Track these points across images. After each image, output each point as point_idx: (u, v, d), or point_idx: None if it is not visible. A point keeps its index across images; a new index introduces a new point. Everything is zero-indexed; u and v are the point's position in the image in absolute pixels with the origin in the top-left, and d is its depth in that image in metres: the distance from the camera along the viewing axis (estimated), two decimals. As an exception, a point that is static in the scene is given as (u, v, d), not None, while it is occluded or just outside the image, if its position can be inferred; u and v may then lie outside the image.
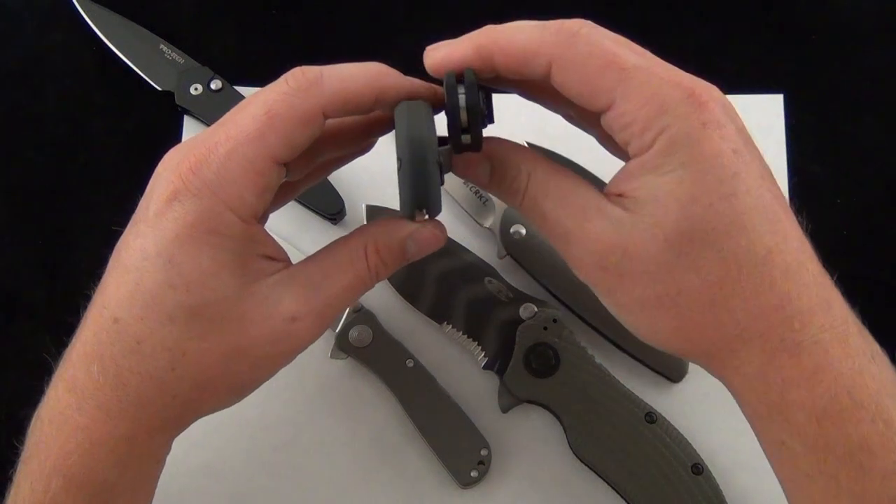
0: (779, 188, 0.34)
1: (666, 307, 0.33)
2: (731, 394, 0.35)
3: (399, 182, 0.34)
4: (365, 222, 0.54)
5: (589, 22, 0.34)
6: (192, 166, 0.34)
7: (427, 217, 0.35)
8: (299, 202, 0.55)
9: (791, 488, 0.34)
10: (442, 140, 0.35)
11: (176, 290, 0.33)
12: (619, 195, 0.34)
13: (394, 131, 0.34)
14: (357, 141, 0.39)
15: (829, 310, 0.32)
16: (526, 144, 0.56)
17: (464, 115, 0.34)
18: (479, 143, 0.35)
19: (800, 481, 0.33)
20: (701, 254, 0.32)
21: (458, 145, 0.35)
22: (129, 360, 0.34)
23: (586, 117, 0.38)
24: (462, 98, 0.34)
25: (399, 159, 0.33)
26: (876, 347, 0.33)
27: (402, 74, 0.36)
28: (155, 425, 0.35)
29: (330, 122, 0.36)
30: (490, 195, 0.55)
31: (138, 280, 0.34)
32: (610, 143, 0.37)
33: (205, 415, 0.37)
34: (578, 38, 0.33)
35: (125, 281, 0.34)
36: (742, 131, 0.34)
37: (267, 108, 0.33)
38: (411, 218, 0.34)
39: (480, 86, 0.34)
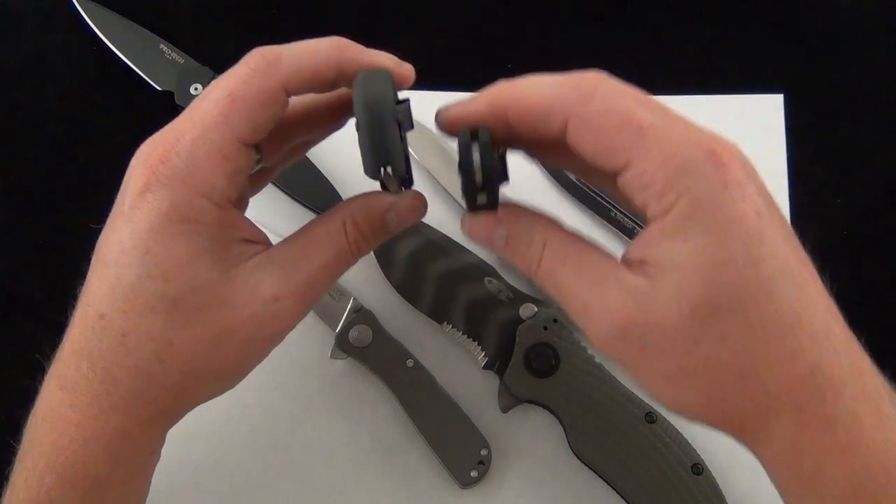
0: (802, 249, 0.33)
1: (692, 380, 0.32)
2: (762, 464, 0.34)
3: (360, 145, 0.33)
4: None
5: (605, 77, 0.33)
6: (160, 157, 0.34)
7: (392, 175, 0.34)
8: (297, 200, 0.55)
9: None
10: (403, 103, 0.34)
11: (155, 281, 0.33)
12: (640, 262, 0.32)
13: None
14: (326, 122, 0.39)
15: (859, 377, 0.31)
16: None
17: (479, 174, 0.33)
18: (494, 202, 0.34)
19: None
20: (727, 323, 0.31)
21: (472, 205, 0.34)
22: (117, 354, 0.34)
23: (602, 177, 0.37)
24: (477, 156, 0.33)
25: (357, 122, 0.33)
26: None
27: (363, 48, 0.36)
28: (147, 418, 0.35)
29: (296, 102, 0.36)
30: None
31: (118, 274, 0.34)
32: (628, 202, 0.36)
33: (197, 404, 0.37)
34: (595, 95, 0.32)
35: (106, 276, 0.34)
36: (763, 190, 0.32)
37: (229, 91, 0.34)
38: (377, 177, 0.34)
39: (495, 143, 0.34)
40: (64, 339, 0.36)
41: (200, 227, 0.34)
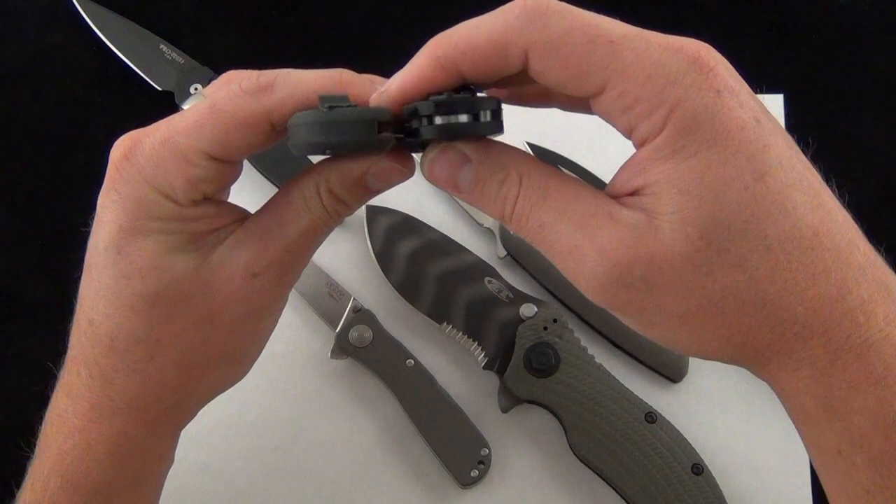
0: (803, 155, 0.30)
1: (711, 316, 0.29)
2: (779, 395, 0.31)
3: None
4: (365, 222, 0.54)
5: None
6: (125, 153, 0.33)
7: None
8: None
9: (842, 503, 0.30)
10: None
11: (130, 280, 0.33)
12: (633, 193, 0.29)
13: None
14: None
15: (888, 296, 0.28)
16: (526, 145, 0.56)
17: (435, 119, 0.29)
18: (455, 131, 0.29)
19: (855, 496, 0.29)
20: (743, 246, 0.27)
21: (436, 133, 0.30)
22: (109, 358, 0.34)
23: (578, 104, 0.33)
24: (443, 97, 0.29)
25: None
26: None
27: (371, 78, 0.33)
28: (152, 418, 0.35)
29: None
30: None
31: (98, 277, 0.33)
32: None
33: (207, 397, 0.37)
34: (550, 15, 0.28)
35: (89, 280, 0.34)
36: (754, 96, 0.29)
37: (212, 103, 0.32)
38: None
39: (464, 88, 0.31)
40: (68, 345, 0.36)
41: (167, 224, 0.33)
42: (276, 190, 0.55)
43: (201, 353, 0.35)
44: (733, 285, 0.28)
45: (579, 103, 0.33)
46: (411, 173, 0.34)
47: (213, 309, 0.34)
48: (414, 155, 0.34)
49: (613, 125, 0.29)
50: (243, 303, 0.34)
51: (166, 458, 0.37)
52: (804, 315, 0.28)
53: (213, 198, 0.34)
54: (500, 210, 0.31)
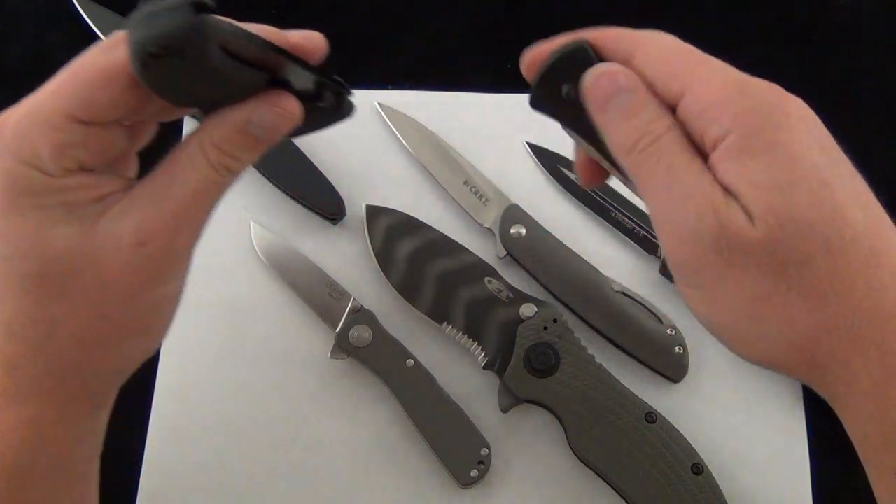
0: (871, 193, 0.32)
1: (777, 305, 0.30)
2: (839, 415, 0.32)
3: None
4: (365, 222, 0.54)
5: None
6: None
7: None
8: (298, 202, 0.55)
9: None
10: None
11: (12, 262, 0.32)
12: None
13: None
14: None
15: None
16: (526, 145, 0.56)
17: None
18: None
19: None
20: (808, 244, 0.29)
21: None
22: (9, 343, 0.33)
23: None
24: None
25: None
26: None
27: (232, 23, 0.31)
28: (61, 401, 0.34)
29: None
30: (489, 195, 0.55)
31: None
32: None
33: (120, 372, 0.35)
34: (658, 33, 0.34)
35: None
36: (826, 137, 0.32)
37: (71, 66, 0.31)
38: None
39: None
40: None
41: (43, 197, 0.31)
42: (280, 193, 0.55)
43: (100, 328, 0.33)
44: (798, 280, 0.29)
45: None
46: (296, 116, 0.33)
47: (104, 282, 0.32)
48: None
49: (689, 129, 0.32)
50: (135, 273, 0.32)
51: (87, 443, 0.36)
52: (860, 324, 0.29)
53: (93, 168, 0.33)
54: (636, 138, 0.32)
